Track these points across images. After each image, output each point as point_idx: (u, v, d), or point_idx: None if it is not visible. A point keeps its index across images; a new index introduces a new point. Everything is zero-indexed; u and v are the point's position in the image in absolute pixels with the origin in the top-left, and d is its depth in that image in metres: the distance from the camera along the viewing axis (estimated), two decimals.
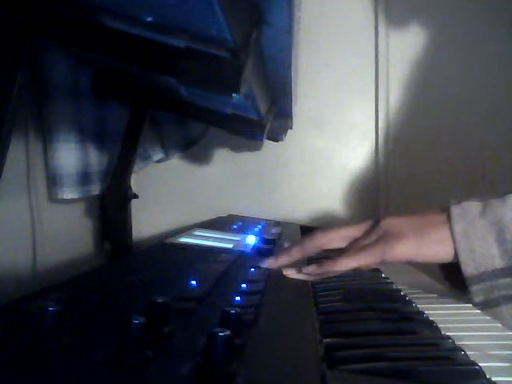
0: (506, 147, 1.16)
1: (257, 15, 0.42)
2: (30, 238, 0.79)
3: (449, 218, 0.54)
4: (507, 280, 0.51)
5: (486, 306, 0.52)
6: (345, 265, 0.54)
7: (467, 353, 0.34)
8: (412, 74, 1.22)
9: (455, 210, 0.54)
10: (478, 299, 0.52)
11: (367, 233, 0.56)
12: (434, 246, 0.53)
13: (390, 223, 0.55)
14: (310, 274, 0.55)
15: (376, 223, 0.56)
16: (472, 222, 0.53)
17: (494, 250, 0.51)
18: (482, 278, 0.52)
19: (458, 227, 0.53)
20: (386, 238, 0.54)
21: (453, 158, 1.20)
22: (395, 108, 1.24)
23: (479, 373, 0.31)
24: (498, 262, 0.51)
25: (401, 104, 1.23)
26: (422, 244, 0.53)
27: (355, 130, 1.26)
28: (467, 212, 0.53)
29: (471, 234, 0.52)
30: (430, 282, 0.64)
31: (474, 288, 0.52)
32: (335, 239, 0.58)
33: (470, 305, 0.52)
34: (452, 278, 0.57)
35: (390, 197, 1.22)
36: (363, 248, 0.54)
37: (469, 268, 0.52)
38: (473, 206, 0.54)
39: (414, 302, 0.48)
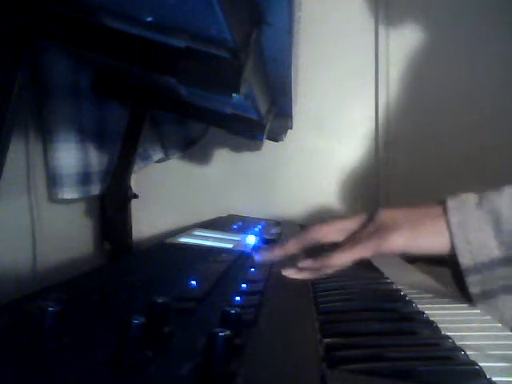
0: (506, 146, 1.16)
1: (257, 15, 0.42)
2: (30, 238, 0.79)
3: (445, 210, 0.54)
4: (504, 270, 0.51)
5: (483, 297, 0.52)
6: (340, 259, 0.54)
7: (467, 353, 0.34)
8: (412, 73, 1.22)
9: (451, 203, 0.54)
10: (474, 290, 0.52)
11: (363, 226, 0.57)
12: (429, 238, 0.53)
13: (386, 215, 0.56)
14: (305, 268, 0.55)
15: (371, 216, 0.57)
16: (468, 214, 0.53)
17: (491, 241, 0.51)
18: (478, 268, 0.52)
19: (455, 219, 0.53)
20: (382, 229, 0.54)
21: (453, 157, 1.20)
22: (395, 107, 1.24)
23: (479, 373, 0.31)
24: (495, 253, 0.51)
25: (401, 103, 1.23)
26: (417, 235, 0.53)
27: (355, 130, 1.26)
28: (463, 204, 0.54)
29: (467, 225, 0.52)
30: (430, 282, 0.63)
31: (470, 278, 0.52)
32: (331, 232, 0.58)
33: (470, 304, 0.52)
34: (456, 276, 0.57)
35: (391, 197, 1.22)
36: (358, 241, 0.55)
37: (465, 259, 0.52)
38: (469, 199, 0.54)
39: (413, 302, 0.48)
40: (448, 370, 0.32)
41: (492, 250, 0.51)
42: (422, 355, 0.34)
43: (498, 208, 0.52)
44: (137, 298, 0.39)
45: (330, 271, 0.56)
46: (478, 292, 0.52)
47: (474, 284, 0.52)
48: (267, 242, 0.73)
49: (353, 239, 0.56)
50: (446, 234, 0.53)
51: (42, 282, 0.78)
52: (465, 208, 0.53)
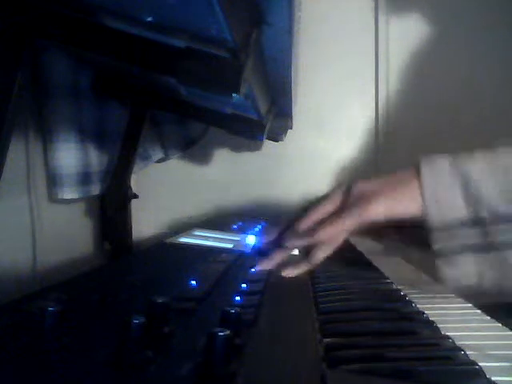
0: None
1: (257, 15, 0.42)
2: (30, 238, 0.79)
3: (419, 173, 0.55)
4: (469, 231, 0.52)
5: (443, 253, 0.53)
6: (325, 234, 0.55)
7: (467, 353, 0.34)
8: (412, 72, 1.22)
9: (424, 165, 0.55)
10: (436, 246, 0.53)
11: (342, 202, 0.58)
12: (405, 202, 0.55)
13: (363, 186, 0.57)
14: (287, 275, 0.56)
15: (347, 190, 0.58)
16: (439, 175, 0.54)
17: (459, 201, 0.52)
18: (445, 225, 0.53)
19: (426, 181, 0.54)
20: (361, 200, 0.55)
21: None
22: (395, 107, 1.24)
23: (479, 373, 0.31)
24: (462, 212, 0.52)
25: (401, 103, 1.23)
26: (394, 201, 0.55)
27: (355, 130, 1.26)
28: (435, 166, 0.55)
29: (437, 185, 0.54)
30: (430, 282, 0.63)
31: (435, 235, 0.53)
32: (316, 220, 0.59)
33: (470, 305, 0.52)
34: None
35: None
36: (341, 215, 0.56)
37: (433, 217, 0.53)
38: (441, 161, 0.55)
39: (413, 302, 0.48)
40: (448, 369, 0.32)
41: (459, 209, 0.52)
42: (422, 355, 0.34)
43: (467, 170, 0.53)
44: (137, 297, 0.39)
45: (322, 255, 0.56)
46: (439, 248, 0.53)
47: (437, 239, 0.53)
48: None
49: (335, 214, 0.57)
50: (420, 197, 0.54)
51: (42, 282, 0.78)
52: (436, 169, 0.55)
